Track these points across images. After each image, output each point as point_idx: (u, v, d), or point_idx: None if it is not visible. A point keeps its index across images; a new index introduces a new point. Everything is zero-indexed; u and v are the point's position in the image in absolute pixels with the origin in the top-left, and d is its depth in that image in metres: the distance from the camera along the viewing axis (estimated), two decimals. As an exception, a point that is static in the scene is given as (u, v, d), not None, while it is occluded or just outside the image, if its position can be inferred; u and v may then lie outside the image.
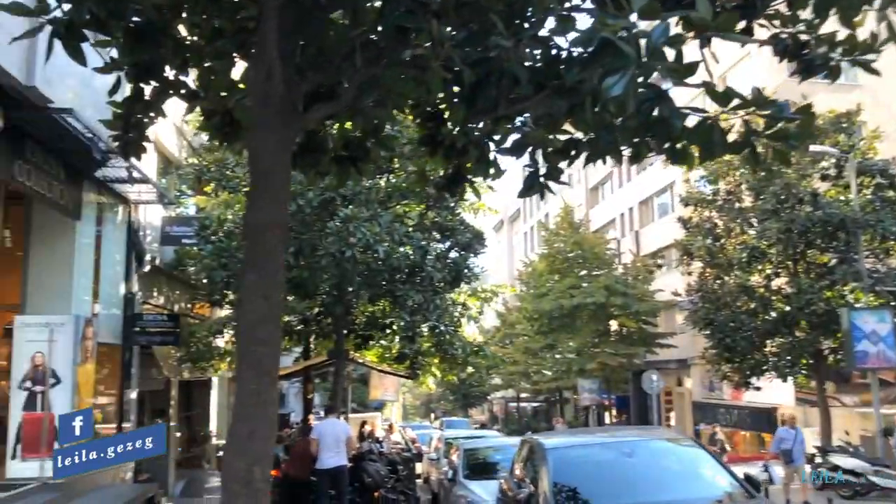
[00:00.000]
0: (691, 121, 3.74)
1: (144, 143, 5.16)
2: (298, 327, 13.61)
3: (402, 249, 10.69)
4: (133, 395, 13.83)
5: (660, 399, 30.49)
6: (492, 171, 5.59)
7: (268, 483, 3.56)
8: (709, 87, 3.45)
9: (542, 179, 5.52)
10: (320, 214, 10.58)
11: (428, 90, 3.56)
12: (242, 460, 3.42)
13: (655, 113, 3.41)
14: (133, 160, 11.34)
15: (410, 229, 11.02)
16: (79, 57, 4.09)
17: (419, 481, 17.08)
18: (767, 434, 23.22)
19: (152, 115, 5.11)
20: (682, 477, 6.43)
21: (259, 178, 3.62)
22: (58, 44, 9.18)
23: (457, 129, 5.47)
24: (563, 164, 5.56)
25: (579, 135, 5.32)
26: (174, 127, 16.38)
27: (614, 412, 37.14)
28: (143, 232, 14.31)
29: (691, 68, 3.13)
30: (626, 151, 4.11)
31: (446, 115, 5.31)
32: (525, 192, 5.58)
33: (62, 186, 10.79)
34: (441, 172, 5.78)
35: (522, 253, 57.53)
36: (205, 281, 18.38)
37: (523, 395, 46.64)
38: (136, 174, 11.66)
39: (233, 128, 4.58)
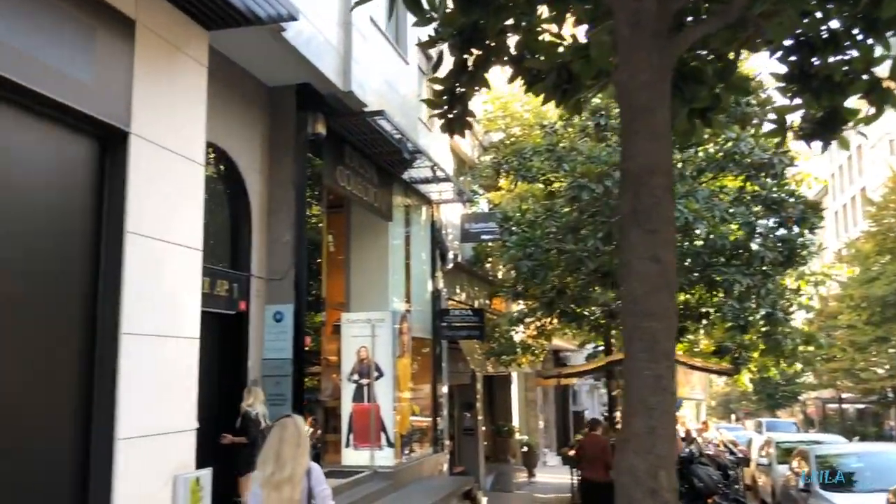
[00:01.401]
0: None
1: (469, 119, 4.83)
2: (603, 320, 12.94)
3: (724, 227, 9.44)
4: (444, 388, 14.25)
5: None
6: (886, 105, 4.37)
7: (675, 492, 2.90)
8: None
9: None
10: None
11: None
12: (644, 463, 2.80)
13: None
14: (435, 158, 11.65)
15: (729, 205, 9.71)
16: (418, 11, 3.82)
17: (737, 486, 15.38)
18: None
19: (476, 87, 4.77)
20: None
21: (634, 117, 2.99)
22: (363, 52, 9.43)
23: (830, 58, 4.36)
24: None
25: None
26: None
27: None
28: (444, 230, 14.74)
29: None
30: None
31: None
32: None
33: (376, 189, 11.35)
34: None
35: (833, 235, 50.90)
36: (499, 274, 18.63)
37: (846, 395, 40.93)
38: (439, 173, 11.90)
39: (571, 84, 4.02)
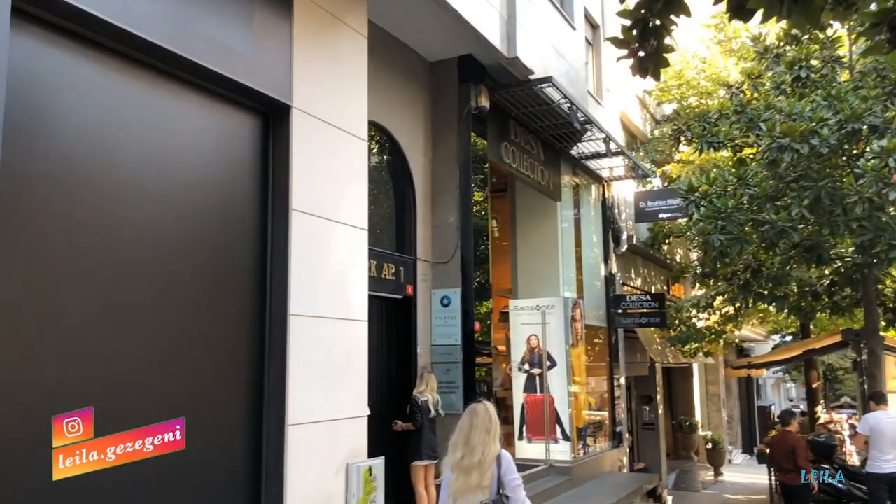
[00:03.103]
0: None
1: (666, 56, 4.07)
2: (804, 303, 11.38)
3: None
4: (622, 379, 13.34)
5: None
6: None
7: None
8: None
9: None
10: (840, 153, 8.34)
11: None
12: None
13: None
14: (609, 131, 10.78)
15: None
16: None
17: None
18: None
19: (674, 16, 4.00)
20: None
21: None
22: (527, 15, 8.79)
23: None
24: None
25: None
26: (637, 100, 15.64)
27: None
28: (616, 210, 13.80)
29: None
30: None
31: None
32: None
33: (542, 167, 10.71)
34: None
35: None
36: (677, 258, 17.29)
37: None
38: (611, 146, 11.02)
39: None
